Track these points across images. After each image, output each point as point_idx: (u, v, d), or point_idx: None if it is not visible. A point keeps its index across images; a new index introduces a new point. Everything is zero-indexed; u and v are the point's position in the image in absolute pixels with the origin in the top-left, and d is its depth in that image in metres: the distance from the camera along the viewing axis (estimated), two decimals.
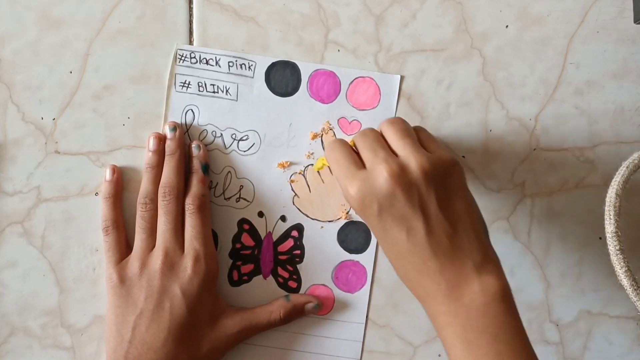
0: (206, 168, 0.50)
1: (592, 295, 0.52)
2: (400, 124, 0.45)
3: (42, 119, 0.52)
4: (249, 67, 0.52)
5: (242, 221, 0.52)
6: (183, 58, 0.52)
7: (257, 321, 0.49)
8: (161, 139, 0.50)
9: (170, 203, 0.48)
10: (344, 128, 0.52)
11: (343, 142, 0.46)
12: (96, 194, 0.52)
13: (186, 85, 0.52)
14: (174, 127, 0.50)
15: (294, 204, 0.52)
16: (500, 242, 0.52)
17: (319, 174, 0.52)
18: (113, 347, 0.46)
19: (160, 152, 0.50)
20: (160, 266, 0.47)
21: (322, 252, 0.52)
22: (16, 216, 0.51)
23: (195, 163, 0.50)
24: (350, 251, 0.52)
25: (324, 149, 0.52)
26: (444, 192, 0.42)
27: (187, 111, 0.52)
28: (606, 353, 0.52)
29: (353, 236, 0.52)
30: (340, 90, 0.52)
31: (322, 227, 0.52)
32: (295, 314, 0.50)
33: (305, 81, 0.52)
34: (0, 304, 0.51)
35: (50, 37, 0.52)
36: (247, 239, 0.52)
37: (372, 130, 0.45)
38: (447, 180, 0.43)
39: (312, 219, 0.52)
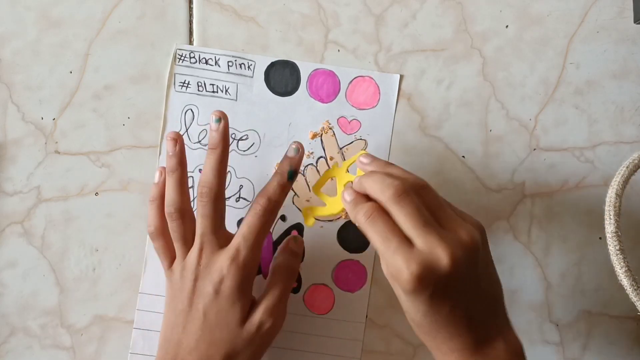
0: (293, 175, 0.47)
1: (592, 295, 0.52)
2: (432, 190, 0.43)
3: (42, 119, 0.52)
4: (249, 67, 0.52)
5: (242, 221, 0.52)
6: (182, 58, 0.52)
7: (284, 288, 0.48)
8: (177, 140, 0.47)
9: (207, 206, 0.45)
10: (344, 127, 0.52)
11: (381, 212, 0.41)
12: (96, 194, 0.52)
13: (185, 85, 0.52)
14: (220, 117, 0.46)
15: (293, 203, 0.52)
16: (500, 242, 0.52)
17: (319, 173, 0.52)
18: (160, 344, 0.46)
19: (180, 154, 0.47)
20: (195, 266, 0.45)
21: (322, 251, 0.52)
22: (16, 216, 0.51)
23: (284, 165, 0.47)
24: (350, 250, 0.52)
25: (323, 148, 0.52)
26: (485, 262, 0.42)
27: (187, 111, 0.52)
28: (606, 353, 0.52)
29: (353, 236, 0.52)
30: (339, 90, 0.52)
31: (321, 226, 0.52)
32: (297, 251, 0.50)
33: (305, 81, 0.52)
34: (0, 304, 0.51)
35: (50, 37, 0.52)
36: None
37: (408, 193, 0.41)
38: (486, 248, 0.43)
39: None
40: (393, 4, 0.52)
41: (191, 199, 0.51)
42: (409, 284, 0.39)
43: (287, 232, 0.52)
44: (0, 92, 0.51)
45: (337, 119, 0.52)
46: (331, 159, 0.52)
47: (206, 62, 0.52)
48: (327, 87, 0.52)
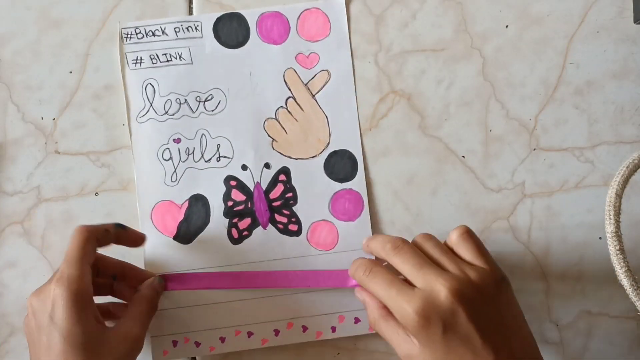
0: (120, 225, 0.48)
1: (592, 295, 0.52)
2: (434, 239, 0.45)
3: (42, 119, 0.52)
4: (196, 28, 0.52)
5: (228, 178, 0.52)
6: (129, 35, 0.52)
7: (145, 316, 0.47)
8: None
9: None
10: (303, 63, 0.52)
11: (380, 266, 0.44)
12: (96, 194, 0.52)
13: (139, 61, 0.52)
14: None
15: (274, 149, 0.52)
16: (500, 242, 0.52)
17: (291, 114, 0.51)
18: None
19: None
20: (32, 301, 0.44)
21: (314, 188, 0.52)
22: (16, 216, 0.51)
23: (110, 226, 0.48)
24: (341, 180, 0.52)
25: (289, 89, 0.51)
26: (498, 307, 0.42)
27: (146, 86, 0.52)
28: (606, 353, 0.52)
29: (339, 165, 0.52)
30: (290, 28, 0.52)
31: (307, 164, 0.52)
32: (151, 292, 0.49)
33: (254, 28, 0.52)
34: (0, 304, 0.51)
35: (50, 37, 0.52)
36: (237, 195, 0.52)
37: (406, 243, 0.44)
38: (500, 295, 0.43)
39: (296, 159, 0.52)
40: (393, 4, 0.52)
41: (173, 169, 0.51)
42: (415, 321, 0.40)
43: (274, 178, 0.52)
44: (0, 92, 0.51)
45: (295, 57, 0.52)
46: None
47: (153, 34, 0.52)
48: (277, 28, 0.52)
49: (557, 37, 0.52)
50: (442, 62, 0.52)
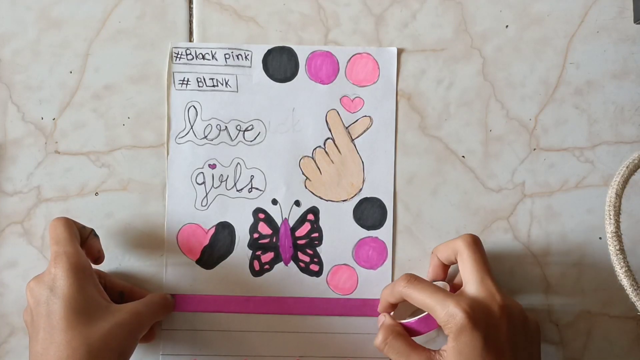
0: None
1: (592, 295, 0.52)
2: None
3: (42, 119, 0.52)
4: (246, 57, 0.52)
5: (257, 210, 0.52)
6: (179, 56, 0.52)
7: (154, 310, 0.47)
8: None
9: None
10: (347, 106, 0.52)
11: (416, 278, 0.46)
12: (96, 193, 0.52)
13: (185, 82, 0.52)
14: None
15: (306, 187, 0.52)
16: (500, 242, 0.52)
17: (328, 155, 0.52)
18: None
19: None
20: (31, 284, 0.44)
21: (340, 232, 0.52)
22: (16, 216, 0.51)
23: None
24: (368, 228, 0.52)
25: (329, 129, 0.52)
26: (530, 341, 0.45)
27: (189, 108, 0.52)
28: (606, 353, 0.52)
29: (369, 212, 0.52)
30: (339, 70, 0.52)
31: (337, 207, 0.52)
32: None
33: (303, 64, 0.52)
34: (0, 304, 0.51)
35: (50, 37, 0.52)
36: (264, 228, 0.52)
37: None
38: (537, 335, 0.47)
39: (326, 200, 0.52)
40: (393, 4, 0.52)
41: (204, 194, 0.51)
42: (463, 319, 0.42)
43: (303, 216, 0.52)
44: (0, 92, 0.51)
45: (340, 99, 0.52)
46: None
47: (203, 57, 0.52)
48: (326, 68, 0.52)
49: (557, 37, 0.52)
50: (442, 62, 0.52)
